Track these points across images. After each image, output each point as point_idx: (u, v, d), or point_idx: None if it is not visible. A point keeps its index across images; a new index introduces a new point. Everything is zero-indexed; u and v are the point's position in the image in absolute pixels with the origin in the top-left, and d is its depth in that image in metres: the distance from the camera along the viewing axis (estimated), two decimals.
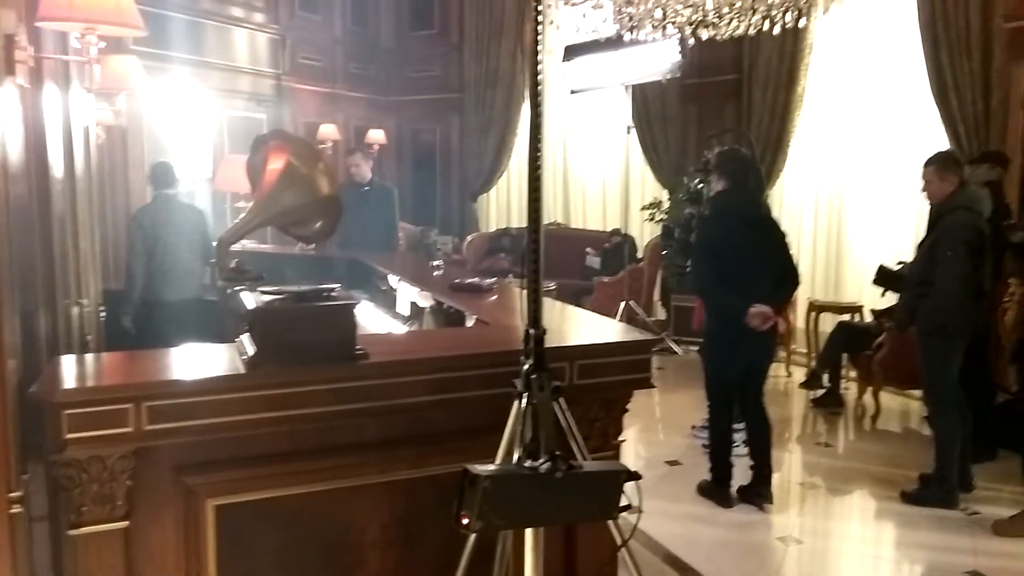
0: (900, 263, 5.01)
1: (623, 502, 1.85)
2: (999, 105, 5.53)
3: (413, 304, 3.74)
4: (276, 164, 2.32)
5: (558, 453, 1.76)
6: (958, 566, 3.33)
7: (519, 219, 9.17)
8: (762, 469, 4.00)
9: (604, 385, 2.49)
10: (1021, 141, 5.38)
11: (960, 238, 3.78)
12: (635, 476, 1.89)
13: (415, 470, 2.30)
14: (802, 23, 4.47)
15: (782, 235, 3.97)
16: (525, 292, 1.99)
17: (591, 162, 8.89)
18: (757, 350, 3.89)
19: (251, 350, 2.11)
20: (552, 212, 9.07)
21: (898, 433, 5.32)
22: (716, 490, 4.00)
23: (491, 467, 1.70)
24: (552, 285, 7.25)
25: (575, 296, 6.95)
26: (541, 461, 1.74)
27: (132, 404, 1.94)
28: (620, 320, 6.68)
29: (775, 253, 3.88)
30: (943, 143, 5.63)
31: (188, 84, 6.88)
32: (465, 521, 1.66)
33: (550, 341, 2.45)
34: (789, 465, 4.70)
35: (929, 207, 4.03)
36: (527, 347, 1.93)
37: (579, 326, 2.98)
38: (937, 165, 3.92)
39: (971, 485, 4.07)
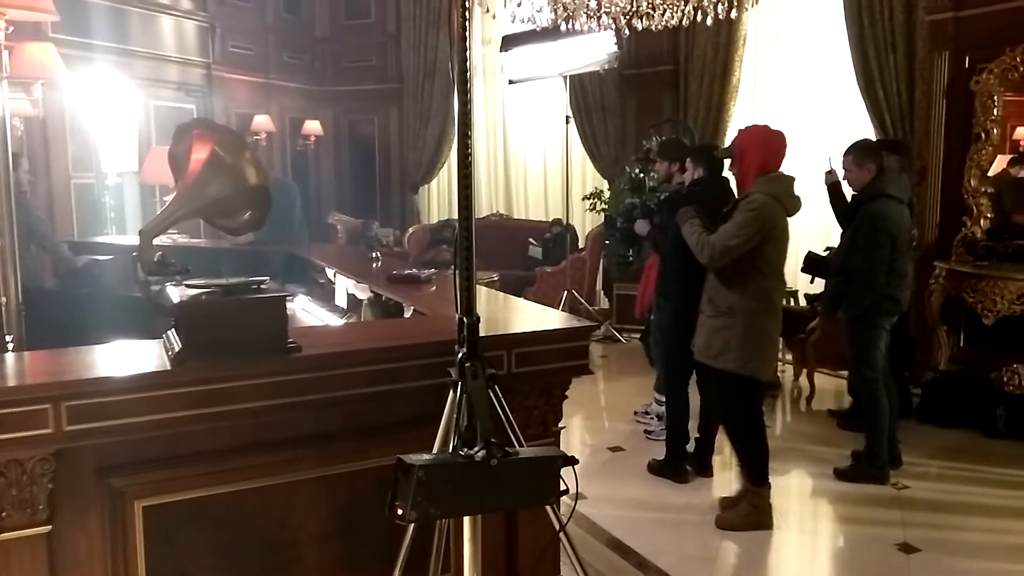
0: (827, 250, 5.16)
1: (561, 487, 1.85)
2: (922, 96, 5.71)
3: (351, 296, 3.68)
4: (200, 154, 2.25)
5: (494, 441, 1.75)
6: (888, 538, 3.46)
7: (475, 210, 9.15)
8: (708, 442, 4.17)
9: (542, 373, 2.50)
10: (943, 129, 5.58)
11: (880, 225, 3.92)
12: (572, 461, 1.90)
13: (353, 463, 2.27)
14: (733, 15, 4.52)
15: None
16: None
17: (532, 152, 8.91)
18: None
19: (177, 346, 2.04)
20: (493, 203, 9.06)
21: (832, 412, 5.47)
22: (672, 467, 4.09)
23: (425, 456, 1.69)
24: (494, 276, 7.26)
25: (518, 286, 6.96)
26: (476, 449, 1.73)
27: (51, 404, 1.87)
28: (563, 309, 6.73)
29: None
30: (871, 132, 5.80)
31: (112, 74, 6.63)
32: (400, 512, 1.64)
33: (488, 330, 2.46)
34: (730, 448, 4.79)
35: (851, 194, 4.16)
36: (461, 336, 1.91)
37: (517, 315, 2.97)
38: (855, 154, 4.10)
39: (900, 461, 4.22)
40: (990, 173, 5.35)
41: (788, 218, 3.40)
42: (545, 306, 3.19)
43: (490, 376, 1.89)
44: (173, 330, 2.13)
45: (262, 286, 2.15)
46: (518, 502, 1.96)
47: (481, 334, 1.99)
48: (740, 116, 7.22)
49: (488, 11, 4.45)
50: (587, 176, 8.33)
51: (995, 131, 5.27)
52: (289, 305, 3.70)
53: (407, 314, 2.99)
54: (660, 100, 7.67)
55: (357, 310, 3.58)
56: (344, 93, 9.34)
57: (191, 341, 2.02)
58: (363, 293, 3.56)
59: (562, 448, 3.42)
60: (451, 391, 1.89)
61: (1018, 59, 5.03)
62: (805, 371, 5.49)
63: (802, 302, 5.99)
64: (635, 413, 5.10)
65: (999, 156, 5.37)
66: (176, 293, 2.11)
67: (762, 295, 3.33)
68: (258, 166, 2.30)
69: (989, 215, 5.32)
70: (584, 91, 8.03)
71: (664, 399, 4.46)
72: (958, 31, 5.39)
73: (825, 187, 4.55)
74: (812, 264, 4.74)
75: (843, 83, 6.22)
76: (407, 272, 3.50)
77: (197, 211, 2.31)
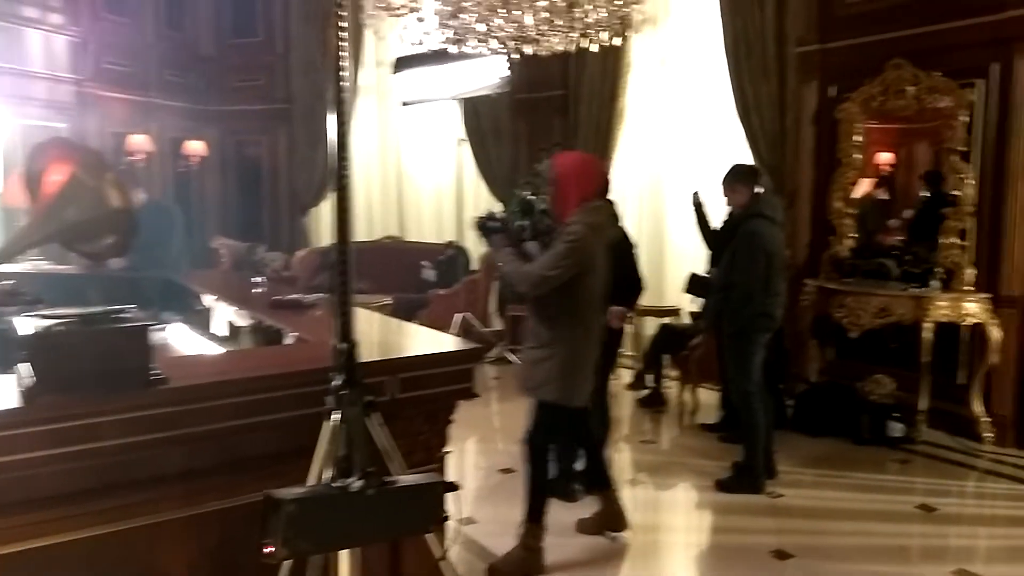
0: (710, 270, 5.39)
1: (441, 514, 1.84)
2: (793, 123, 6.06)
3: (230, 324, 3.55)
4: (58, 175, 2.12)
5: (371, 470, 1.72)
6: (764, 546, 3.61)
7: (353, 233, 9.00)
8: (595, 461, 4.18)
9: (427, 397, 2.47)
10: (811, 155, 5.94)
11: (757, 243, 4.13)
12: (452, 487, 1.89)
13: (226, 500, 2.17)
14: (618, 42, 4.68)
15: (631, 243, 4.28)
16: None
17: (426, 174, 8.89)
18: (609, 349, 4.12)
19: (30, 380, 1.91)
20: (386, 225, 8.97)
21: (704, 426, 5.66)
22: (561, 486, 4.11)
23: (296, 490, 1.64)
24: (387, 299, 7.18)
25: (411, 310, 6.90)
26: (352, 479, 1.70)
27: None
28: (456, 332, 6.71)
29: (628, 258, 4.17)
30: (750, 157, 6.10)
31: None
32: (270, 550, 1.58)
33: (371, 356, 2.42)
34: (618, 464, 4.89)
35: (728, 215, 4.38)
36: (337, 362, 1.87)
37: (401, 339, 2.95)
38: (730, 178, 4.35)
39: (775, 471, 4.42)
40: (855, 196, 5.73)
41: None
42: (438, 329, 3.18)
43: (368, 403, 1.86)
44: (25, 363, 1.98)
45: (125, 315, 2.04)
46: (398, 531, 1.93)
47: (362, 360, 1.96)
48: (627, 141, 7.47)
49: (376, 32, 4.42)
50: (481, 198, 8.38)
51: (857, 156, 5.66)
52: (162, 335, 3.55)
53: (287, 341, 2.91)
54: (551, 124, 7.83)
55: (237, 338, 3.45)
56: (230, 113, 9.05)
57: (45, 375, 1.89)
58: (244, 320, 3.44)
59: (453, 472, 3.41)
60: (327, 420, 1.85)
61: (876, 89, 5.42)
62: (689, 386, 5.67)
63: (686, 320, 6.23)
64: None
65: (863, 179, 5.77)
66: (28, 324, 1.98)
67: (581, 325, 3.30)
68: (122, 189, 2.19)
69: (853, 235, 5.69)
70: (478, 114, 8.10)
71: None
72: (824, 63, 5.77)
73: (692, 207, 4.77)
74: (696, 284, 4.93)
75: (723, 110, 6.52)
76: (290, 297, 3.41)
77: (53, 236, 2.17)
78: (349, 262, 1.92)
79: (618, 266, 4.01)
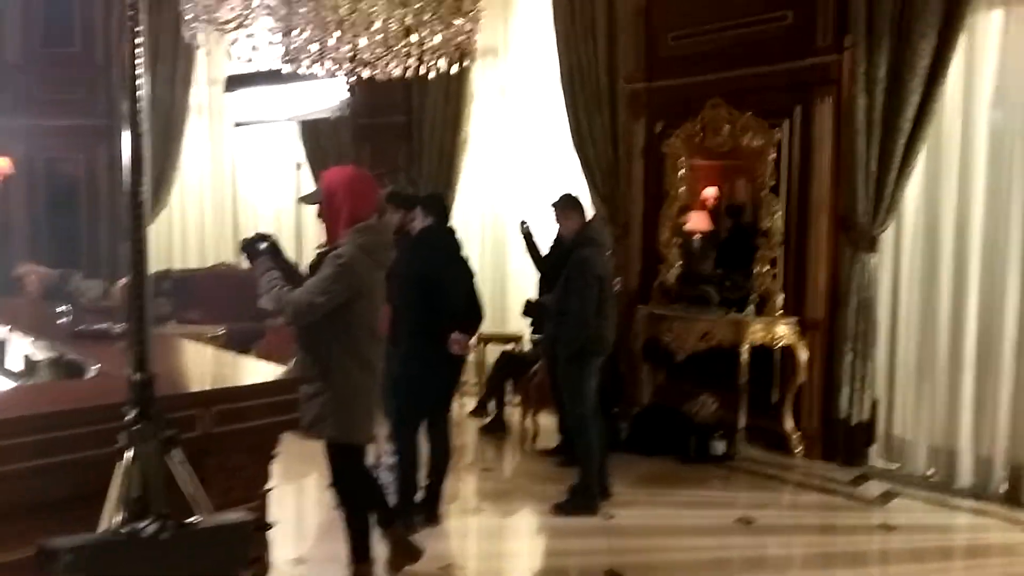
0: (541, 296, 5.51)
1: (249, 556, 1.72)
2: (624, 155, 6.36)
3: (27, 358, 3.20)
4: None
5: (166, 512, 1.58)
6: (598, 566, 3.67)
7: (182, 259, 8.47)
8: (437, 490, 4.17)
9: (246, 431, 2.34)
10: (641, 186, 6.25)
11: (589, 269, 4.27)
12: (265, 526, 1.78)
13: (17, 551, 1.92)
14: (455, 70, 4.71)
15: (471, 270, 4.26)
16: (173, 335, 1.78)
17: (263, 198, 8.55)
18: (451, 376, 4.12)
19: None
20: (220, 251, 8.53)
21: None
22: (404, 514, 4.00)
23: (76, 538, 1.47)
24: (220, 330, 6.79)
25: (246, 341, 6.56)
26: (145, 523, 1.55)
27: None
28: (294, 365, 6.43)
29: (468, 285, 4.16)
30: (584, 187, 6.32)
31: None
32: None
33: (182, 388, 2.25)
34: (459, 492, 4.86)
35: (556, 241, 4.53)
36: (132, 395, 1.72)
37: (220, 370, 2.77)
38: (558, 207, 4.51)
39: (609, 491, 4.54)
40: (684, 226, 6.07)
41: (381, 271, 3.18)
42: (275, 361, 3.01)
43: (168, 439, 1.71)
44: None
45: None
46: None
47: (172, 392, 1.82)
48: (470, 169, 7.56)
49: (206, 48, 4.19)
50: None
51: (683, 189, 6.01)
52: None
53: (90, 374, 2.66)
54: (394, 150, 7.79)
55: (33, 372, 3.12)
56: (42, 128, 8.27)
57: None
58: (43, 353, 3.11)
59: (290, 509, 3.24)
60: (120, 458, 1.68)
61: (697, 126, 5.80)
62: (530, 412, 5.74)
63: (527, 346, 6.32)
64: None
65: (691, 211, 6.12)
66: None
67: (355, 354, 3.05)
68: None
69: (680, 263, 6.03)
70: (318, 138, 7.92)
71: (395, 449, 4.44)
72: (650, 100, 6.12)
73: (521, 235, 4.89)
74: (531, 309, 5.02)
75: (560, 140, 6.73)
76: (95, 327, 3.13)
77: None
78: (145, 287, 1.77)
79: (459, 293, 4.02)
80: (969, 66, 4.74)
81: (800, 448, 5.30)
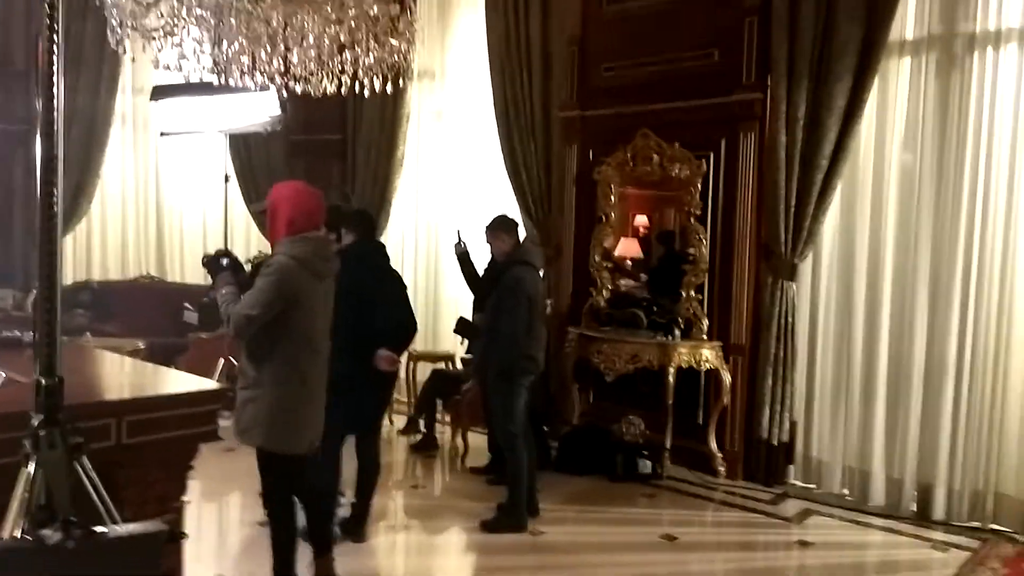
0: (475, 316, 5.53)
1: (160, 567, 1.66)
2: (558, 182, 6.47)
3: None
4: None
5: (73, 520, 1.52)
6: None
7: (102, 270, 8.18)
8: (365, 508, 4.12)
9: (160, 442, 2.27)
10: (574, 212, 6.36)
11: (521, 289, 4.31)
12: (179, 536, 1.73)
13: None
14: (391, 90, 4.72)
15: (403, 285, 4.25)
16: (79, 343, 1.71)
17: (190, 211, 8.35)
18: (379, 393, 4.07)
19: None
20: (143, 263, 8.27)
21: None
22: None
23: None
24: (140, 344, 6.57)
25: (169, 355, 6.35)
26: (49, 531, 1.49)
27: None
28: (219, 378, 6.27)
29: (399, 300, 4.13)
30: (518, 210, 6.38)
31: None
32: None
33: (95, 397, 2.17)
34: (388, 510, 4.81)
35: (491, 262, 4.56)
36: (37, 400, 1.65)
37: (134, 380, 2.69)
38: (491, 228, 4.57)
39: (538, 509, 4.55)
40: (617, 253, 6.19)
41: (322, 282, 3.19)
42: (197, 374, 2.95)
43: (75, 445, 1.65)
44: None
45: None
46: None
47: (87, 400, 1.76)
48: (405, 190, 7.55)
49: (125, 52, 4.08)
50: (252, 238, 8.01)
51: (614, 215, 6.14)
52: None
53: None
54: (328, 167, 7.72)
55: None
56: None
57: None
58: None
59: (212, 524, 3.14)
60: (23, 466, 1.61)
61: (628, 155, 5.94)
62: (460, 430, 5.72)
63: (459, 365, 6.32)
64: None
65: (623, 238, 6.25)
66: None
67: (291, 365, 3.06)
68: None
69: (610, 287, 6.14)
70: (249, 151, 7.80)
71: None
72: (583, 128, 6.25)
73: (456, 256, 4.92)
74: (463, 327, 5.02)
75: (495, 164, 6.80)
76: (5, 335, 2.99)
77: None
78: (56, 291, 1.72)
79: (386, 309, 4.00)
80: (881, 108, 5.02)
81: (723, 468, 5.42)
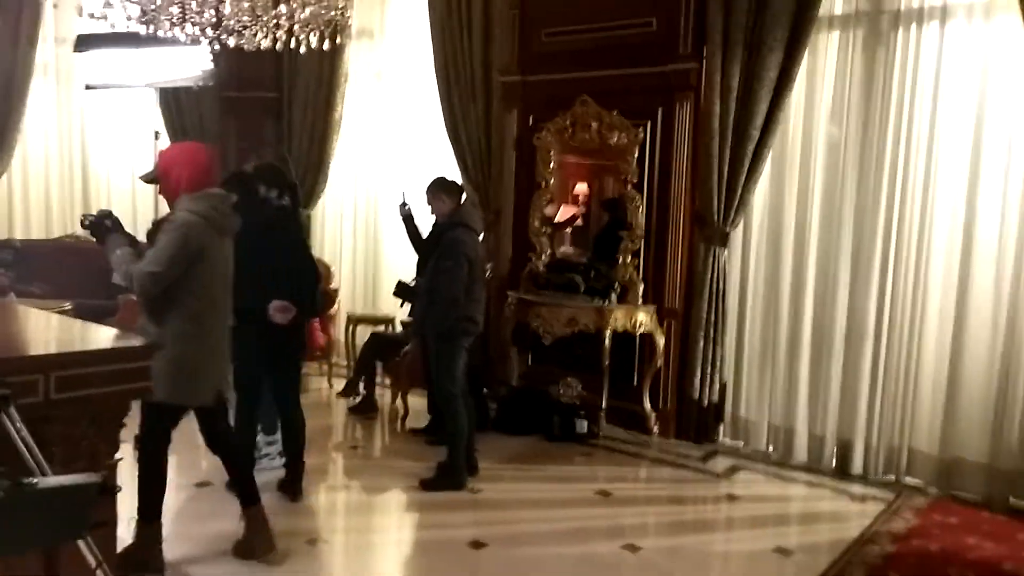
0: (417, 277, 5.53)
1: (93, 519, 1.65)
2: (498, 147, 6.44)
3: None
4: None
5: (1, 470, 1.49)
6: (462, 538, 3.76)
7: (25, 230, 7.85)
8: (296, 465, 4.14)
9: (90, 398, 2.23)
10: (513, 176, 6.37)
11: (460, 250, 4.32)
12: (111, 489, 1.71)
13: None
14: (327, 46, 4.63)
15: (302, 238, 4.23)
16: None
17: (117, 168, 8.04)
18: (283, 346, 4.01)
19: None
20: (68, 222, 7.95)
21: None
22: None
23: None
24: (67, 304, 6.36)
25: (97, 316, 6.06)
26: None
27: None
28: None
29: (295, 254, 4.07)
30: (458, 173, 6.35)
31: None
32: None
33: (22, 352, 2.11)
34: (327, 471, 4.83)
35: (433, 223, 4.56)
36: None
37: (61, 335, 2.62)
38: (431, 190, 4.54)
39: (477, 468, 4.63)
40: (556, 220, 6.24)
41: (224, 238, 3.20)
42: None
43: (2, 397, 1.62)
44: None
45: None
46: (41, 539, 1.70)
47: (12, 355, 1.71)
48: (343, 151, 7.43)
49: (48, 2, 3.89)
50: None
51: (553, 181, 6.17)
52: None
53: None
54: (262, 126, 7.52)
55: None
56: None
57: None
58: None
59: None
60: None
61: (567, 122, 5.97)
62: (400, 393, 5.74)
63: (399, 328, 6.32)
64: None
65: (564, 206, 6.29)
66: None
67: (193, 320, 3.07)
68: None
69: (549, 251, 6.20)
70: (180, 107, 7.54)
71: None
72: (524, 93, 6.23)
73: (400, 218, 4.89)
74: (401, 289, 5.01)
75: (435, 126, 6.73)
76: None
77: None
78: None
79: (276, 264, 3.89)
80: (811, 81, 5.16)
81: (656, 427, 5.59)
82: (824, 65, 5.11)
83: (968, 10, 4.63)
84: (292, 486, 4.11)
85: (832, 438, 5.12)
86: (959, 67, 4.65)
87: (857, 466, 4.97)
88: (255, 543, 3.40)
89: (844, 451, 5.07)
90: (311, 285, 4.17)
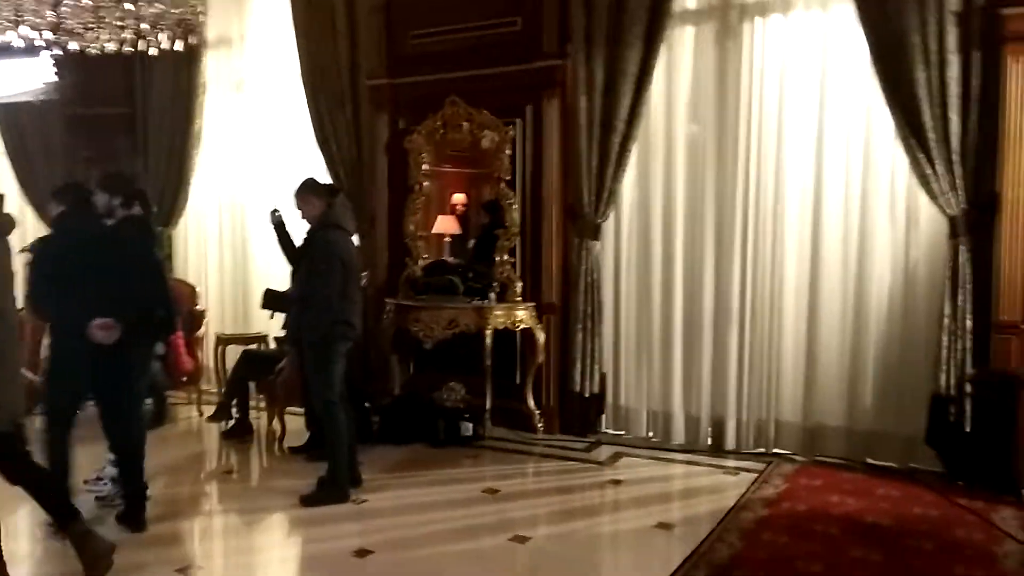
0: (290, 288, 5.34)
1: None
2: (369, 152, 6.35)
3: None
4: None
5: None
6: (347, 548, 3.62)
7: None
8: (136, 493, 3.88)
9: None
10: (386, 180, 6.28)
11: (332, 252, 4.21)
12: None
13: None
14: (180, 47, 4.43)
15: (148, 251, 4.03)
16: None
17: None
18: (108, 368, 3.70)
19: None
20: None
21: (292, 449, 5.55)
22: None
23: None
24: None
25: None
26: None
27: None
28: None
29: (135, 269, 3.84)
30: (329, 181, 6.18)
31: None
32: None
33: None
34: (199, 498, 4.57)
35: (307, 230, 4.42)
36: None
37: None
38: (298, 193, 4.40)
39: (360, 480, 4.48)
40: (434, 231, 6.18)
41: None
42: None
43: None
44: None
45: None
46: None
47: None
48: (204, 166, 7.12)
49: None
50: (26, 223, 7.20)
51: (428, 184, 6.12)
52: None
53: None
54: (113, 144, 7.08)
55: None
56: None
57: None
58: None
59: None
60: None
61: (438, 123, 5.95)
62: (276, 411, 5.50)
63: (271, 344, 6.08)
64: (85, 482, 4.42)
65: (440, 216, 6.24)
66: None
67: None
68: None
69: (426, 255, 6.14)
70: (20, 127, 7.01)
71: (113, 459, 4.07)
72: (393, 96, 6.19)
73: (272, 226, 4.73)
74: (270, 299, 4.81)
75: (304, 134, 6.55)
76: None
77: None
78: None
79: (95, 281, 3.62)
80: (670, 75, 5.40)
81: (541, 424, 5.64)
82: (681, 59, 5.36)
83: (806, 0, 4.97)
84: (133, 517, 3.82)
85: (707, 418, 5.35)
86: (801, 55, 4.99)
87: (730, 441, 5.21)
88: (93, 555, 3.16)
89: (718, 429, 5.30)
90: (151, 303, 3.92)
